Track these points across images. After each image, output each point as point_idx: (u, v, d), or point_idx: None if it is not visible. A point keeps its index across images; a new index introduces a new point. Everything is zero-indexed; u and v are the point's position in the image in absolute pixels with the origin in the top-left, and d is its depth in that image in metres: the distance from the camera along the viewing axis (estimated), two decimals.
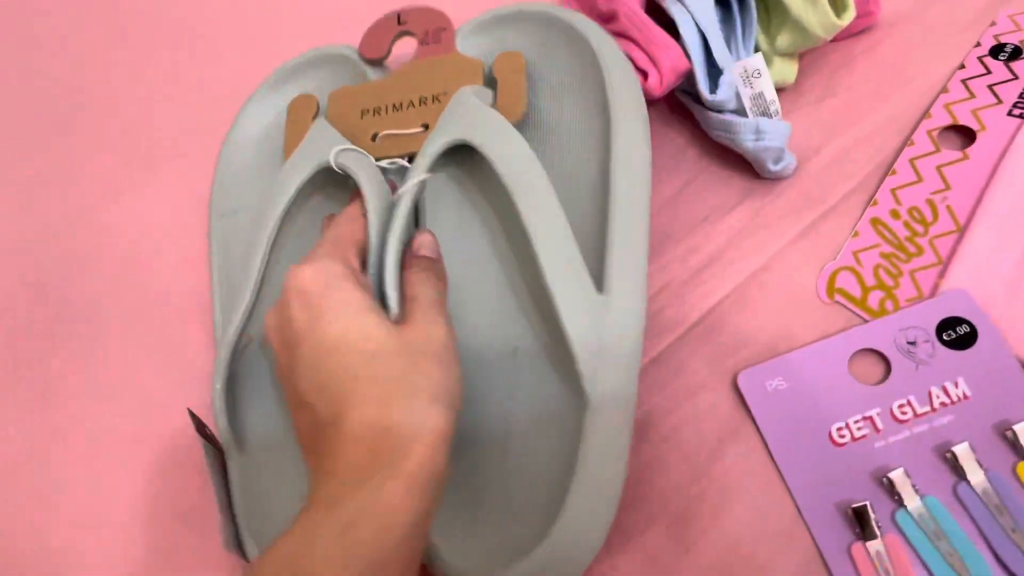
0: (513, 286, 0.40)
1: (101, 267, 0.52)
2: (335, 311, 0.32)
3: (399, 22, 0.47)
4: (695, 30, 0.44)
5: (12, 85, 0.64)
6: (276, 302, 0.35)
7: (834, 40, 0.48)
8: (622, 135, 0.39)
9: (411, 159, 0.43)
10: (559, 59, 0.44)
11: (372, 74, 0.47)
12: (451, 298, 0.39)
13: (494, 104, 0.42)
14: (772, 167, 0.44)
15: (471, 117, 0.41)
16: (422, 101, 0.44)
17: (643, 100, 0.41)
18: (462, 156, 0.42)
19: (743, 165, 0.45)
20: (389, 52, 0.47)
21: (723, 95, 0.44)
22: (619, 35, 0.46)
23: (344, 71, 0.49)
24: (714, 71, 0.44)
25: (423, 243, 0.39)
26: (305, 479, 0.32)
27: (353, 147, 0.42)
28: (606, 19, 0.47)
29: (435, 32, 0.46)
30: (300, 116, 0.47)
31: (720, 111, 0.45)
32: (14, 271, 0.52)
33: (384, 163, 0.42)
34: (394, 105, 0.44)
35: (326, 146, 0.42)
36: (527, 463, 0.36)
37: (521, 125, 0.42)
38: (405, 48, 0.48)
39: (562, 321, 0.35)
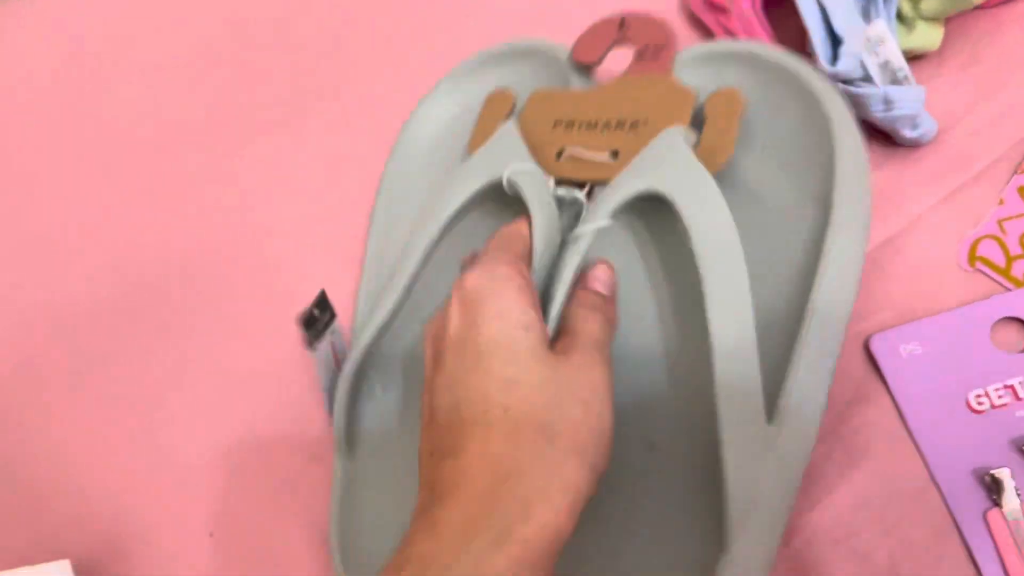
0: (669, 369, 0.36)
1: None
2: (489, 321, 0.29)
3: (621, 27, 0.42)
4: (811, 1, 0.43)
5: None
6: (439, 308, 0.33)
7: (983, 6, 0.47)
8: (839, 244, 0.33)
9: (589, 190, 0.39)
10: (782, 120, 0.38)
11: (576, 80, 0.43)
12: None
13: (696, 146, 0.37)
14: (909, 133, 0.43)
15: (673, 166, 0.35)
16: (619, 124, 0.39)
17: (870, 197, 0.35)
18: (647, 202, 0.36)
19: (881, 129, 0.45)
20: (602, 59, 0.43)
21: (844, 66, 0.43)
22: (729, 32, 0.45)
23: (547, 70, 0.45)
24: (836, 40, 0.43)
25: (598, 276, 0.35)
26: (410, 506, 0.29)
27: (531, 167, 0.39)
28: (718, 9, 0.47)
29: (655, 48, 0.41)
30: (493, 112, 0.44)
31: (846, 82, 0.44)
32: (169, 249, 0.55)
33: (561, 191, 0.39)
34: (589, 122, 0.40)
35: (506, 158, 0.39)
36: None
37: (718, 178, 0.35)
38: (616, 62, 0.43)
39: (723, 449, 0.31)
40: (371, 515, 0.39)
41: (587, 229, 0.35)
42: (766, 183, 0.37)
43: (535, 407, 0.26)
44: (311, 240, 0.51)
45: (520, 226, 0.35)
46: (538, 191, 0.37)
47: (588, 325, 0.31)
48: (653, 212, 0.37)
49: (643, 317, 0.37)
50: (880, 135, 0.45)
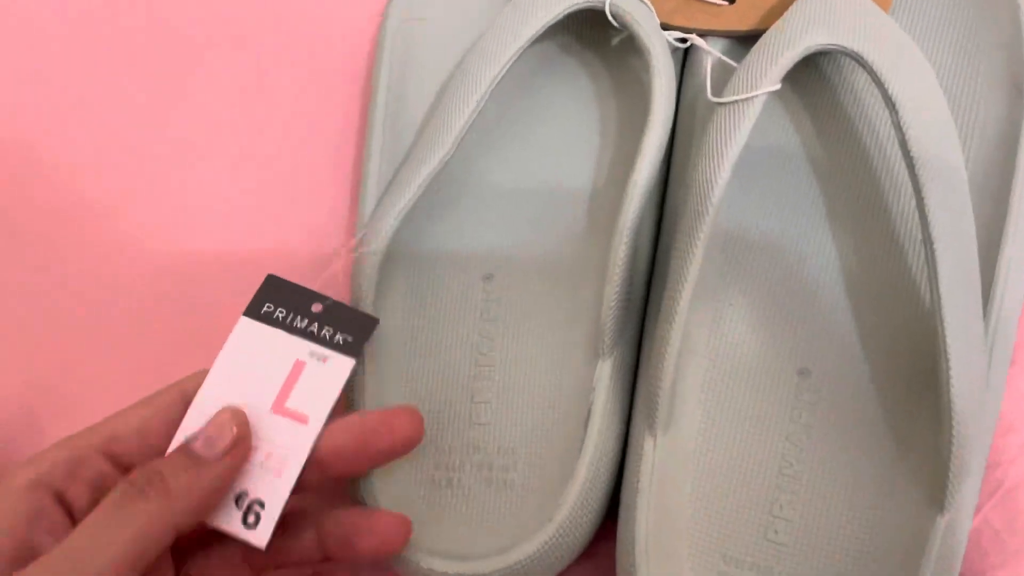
0: (832, 281, 0.31)
1: None
2: None
3: None
4: None
5: None
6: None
7: None
8: None
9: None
10: None
11: None
12: (731, 272, 0.31)
13: None
14: None
15: (861, 17, 0.28)
16: None
17: None
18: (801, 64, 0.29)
19: None
20: None
21: None
22: None
23: None
24: None
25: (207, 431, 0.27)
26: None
27: None
28: None
29: None
30: None
31: None
32: None
33: (672, 37, 0.31)
34: None
35: None
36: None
37: None
38: None
39: (951, 381, 0.26)
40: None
41: (752, 94, 0.27)
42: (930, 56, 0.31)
43: None
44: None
45: None
46: (655, 28, 0.30)
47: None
48: (806, 77, 0.31)
49: (802, 213, 0.31)
50: None
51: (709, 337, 0.31)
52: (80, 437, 0.26)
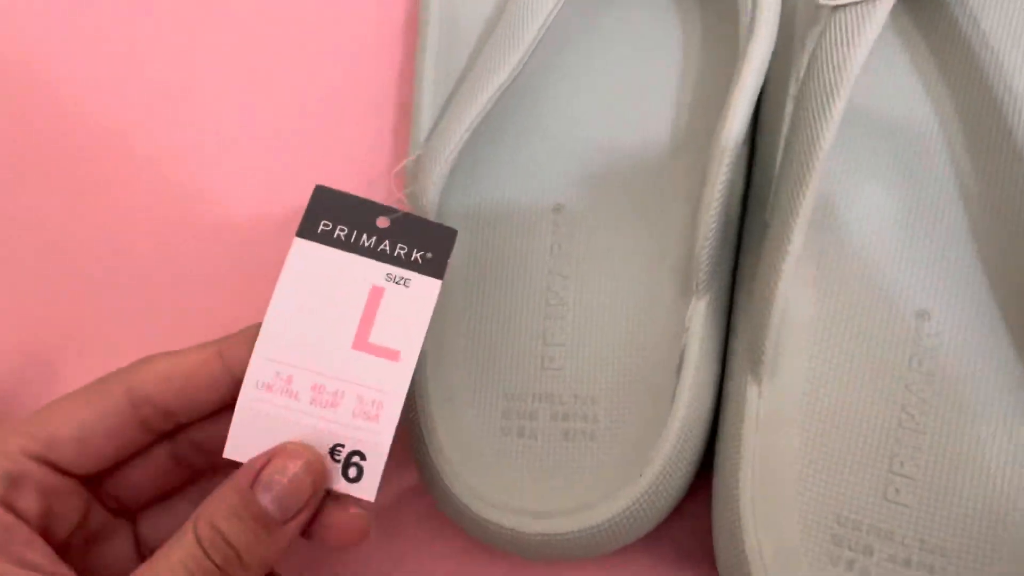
0: (956, 215, 0.27)
1: None
2: None
3: None
4: None
5: None
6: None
7: None
8: None
9: None
10: None
11: None
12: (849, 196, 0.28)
13: None
14: None
15: None
16: None
17: None
18: None
19: None
20: None
21: None
22: None
23: None
24: None
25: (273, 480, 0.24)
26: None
27: None
28: None
29: None
30: None
31: None
32: None
33: None
34: None
35: None
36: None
37: None
38: None
39: None
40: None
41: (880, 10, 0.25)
42: None
43: None
44: None
45: None
46: None
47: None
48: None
49: (913, 148, 0.28)
50: None
51: (818, 272, 0.27)
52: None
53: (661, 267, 0.28)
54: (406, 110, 0.35)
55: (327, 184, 0.25)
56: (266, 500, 0.22)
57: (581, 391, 0.28)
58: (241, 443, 0.24)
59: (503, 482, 0.27)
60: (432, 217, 0.28)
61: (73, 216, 0.34)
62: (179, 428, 0.25)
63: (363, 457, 0.24)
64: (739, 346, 0.27)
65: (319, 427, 0.24)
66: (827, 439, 0.26)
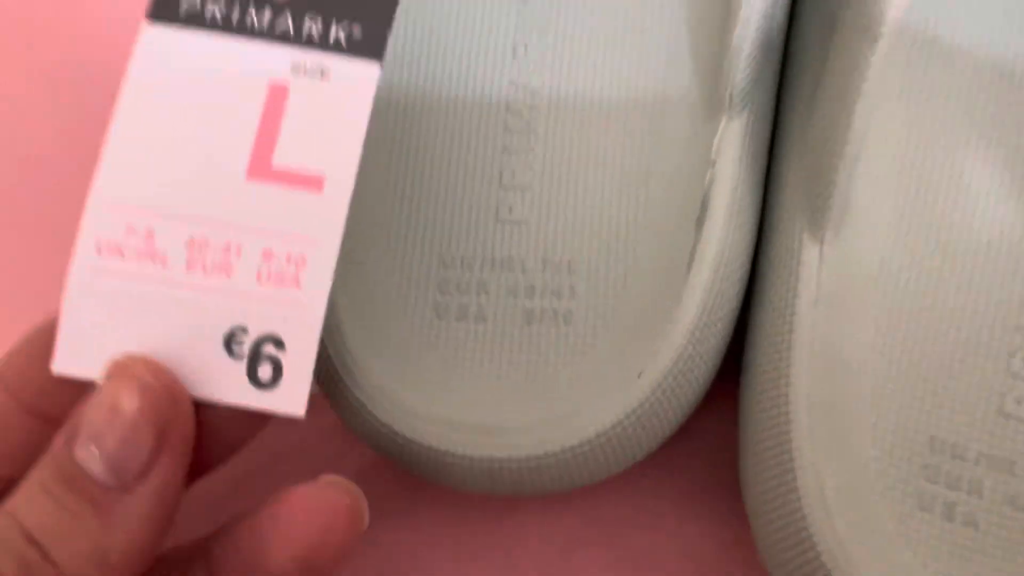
0: None
1: None
2: None
3: None
4: None
5: None
6: None
7: None
8: None
9: None
10: None
11: None
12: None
13: None
14: None
15: None
16: None
17: None
18: None
19: None
20: None
21: None
22: None
23: None
24: None
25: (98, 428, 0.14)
26: None
27: None
28: None
29: None
30: None
31: None
32: None
33: None
34: None
35: None
36: None
37: None
38: None
39: None
40: None
41: None
42: None
43: None
44: None
45: None
46: None
47: None
48: None
49: None
50: None
51: (902, 84, 0.18)
52: None
53: (676, 72, 0.19)
54: None
55: None
56: (88, 459, 0.14)
57: (552, 254, 0.19)
58: (75, 346, 0.15)
59: (437, 386, 0.18)
60: None
61: None
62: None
63: (279, 345, 0.15)
64: (790, 190, 0.18)
65: (203, 304, 0.15)
66: (919, 325, 0.17)
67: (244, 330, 0.15)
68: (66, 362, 0.15)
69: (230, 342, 0.15)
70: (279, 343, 0.15)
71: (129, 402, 0.14)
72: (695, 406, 0.18)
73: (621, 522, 0.20)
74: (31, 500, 0.14)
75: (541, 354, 0.19)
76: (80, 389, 0.15)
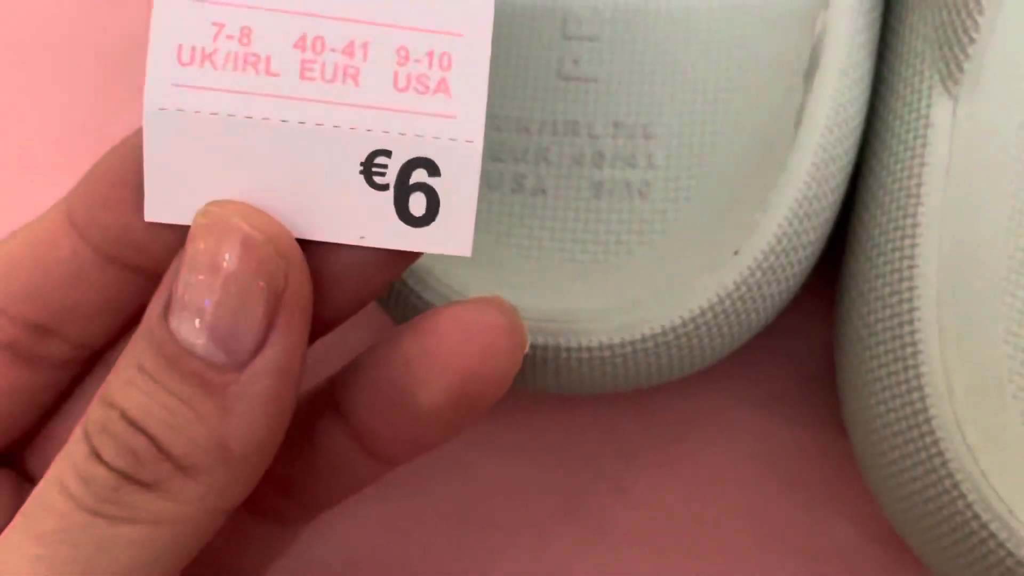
0: None
1: None
2: None
3: None
4: None
5: None
6: None
7: None
8: None
9: None
10: None
11: None
12: None
13: None
14: None
15: None
16: None
17: None
18: None
19: None
20: None
21: None
22: None
23: None
24: None
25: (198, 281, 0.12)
26: None
27: None
28: None
29: None
30: None
31: None
32: None
33: None
34: None
35: None
36: None
37: None
38: None
39: None
40: None
41: None
42: None
43: None
44: None
45: None
46: None
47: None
48: None
49: None
50: None
51: None
52: None
53: None
54: None
55: None
56: (191, 334, 0.11)
57: (626, 116, 0.16)
58: (169, 186, 0.12)
59: (489, 267, 0.16)
60: None
61: None
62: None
63: (433, 170, 0.12)
64: (916, 39, 0.16)
65: (329, 123, 0.12)
66: None
67: (387, 153, 0.12)
68: (159, 208, 0.12)
69: (369, 169, 0.12)
70: (432, 168, 0.12)
71: (231, 260, 0.11)
72: (795, 293, 0.16)
73: (691, 428, 0.17)
74: (131, 385, 0.11)
75: (612, 232, 0.16)
76: (175, 233, 0.12)
